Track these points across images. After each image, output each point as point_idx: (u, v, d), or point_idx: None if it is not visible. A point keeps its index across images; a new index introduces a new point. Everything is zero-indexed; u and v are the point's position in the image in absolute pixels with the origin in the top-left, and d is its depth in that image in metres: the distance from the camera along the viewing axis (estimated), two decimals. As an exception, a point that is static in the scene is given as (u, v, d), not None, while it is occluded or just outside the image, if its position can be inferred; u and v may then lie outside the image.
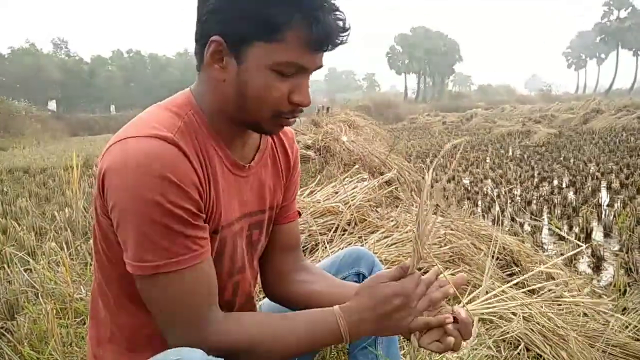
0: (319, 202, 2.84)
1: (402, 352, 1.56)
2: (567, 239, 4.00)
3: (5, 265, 2.84)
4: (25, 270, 2.61)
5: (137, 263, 0.83)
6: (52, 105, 49.63)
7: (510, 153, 9.94)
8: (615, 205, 5.09)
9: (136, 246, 0.83)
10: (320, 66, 0.92)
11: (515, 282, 1.12)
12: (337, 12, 0.85)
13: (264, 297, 1.32)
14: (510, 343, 1.94)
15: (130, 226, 0.83)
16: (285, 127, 1.12)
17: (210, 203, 0.92)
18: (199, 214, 0.87)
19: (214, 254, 0.95)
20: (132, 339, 0.99)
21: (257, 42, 0.83)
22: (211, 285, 0.91)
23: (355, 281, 1.27)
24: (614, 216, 4.57)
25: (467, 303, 0.97)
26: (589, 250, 3.65)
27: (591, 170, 7.10)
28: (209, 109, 0.94)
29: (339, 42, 0.87)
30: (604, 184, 6.13)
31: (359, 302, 0.93)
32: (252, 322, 0.94)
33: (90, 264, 2.69)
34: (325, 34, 0.83)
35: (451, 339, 0.90)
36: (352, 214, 2.77)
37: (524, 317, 2.00)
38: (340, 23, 0.85)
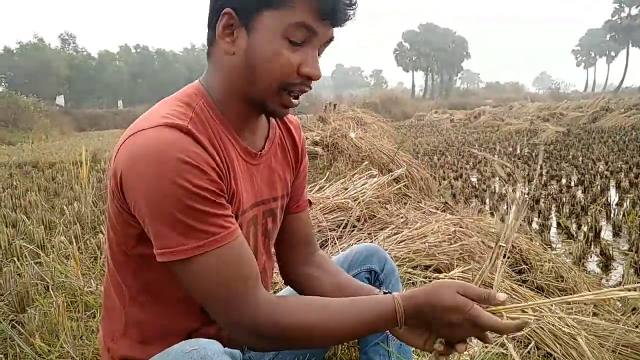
0: (329, 198, 2.84)
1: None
2: (576, 237, 3.98)
3: (15, 259, 2.86)
4: (35, 264, 2.63)
5: (172, 249, 0.83)
6: (60, 100, 49.76)
7: (519, 151, 9.88)
8: (625, 204, 5.05)
9: (168, 233, 0.82)
10: (332, 39, 0.92)
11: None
12: None
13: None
14: (521, 342, 1.93)
15: (158, 215, 0.82)
16: (291, 117, 1.17)
17: (230, 189, 0.92)
18: (222, 194, 0.87)
19: None
20: (146, 332, 1.00)
21: (267, 10, 0.85)
22: (252, 260, 0.91)
23: (367, 278, 1.28)
24: (623, 215, 4.54)
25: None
26: (598, 250, 3.63)
27: (600, 169, 7.05)
28: (218, 95, 0.94)
29: (346, 14, 0.88)
30: (613, 182, 6.09)
31: (426, 296, 0.90)
32: (304, 305, 0.93)
33: (100, 258, 2.71)
34: (336, 1, 0.85)
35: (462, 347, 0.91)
36: (361, 210, 2.77)
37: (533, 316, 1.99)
38: None
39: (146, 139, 0.83)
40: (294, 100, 0.93)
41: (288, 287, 1.29)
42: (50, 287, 2.28)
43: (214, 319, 0.90)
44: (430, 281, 2.19)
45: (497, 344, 1.78)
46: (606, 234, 4.14)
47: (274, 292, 1.33)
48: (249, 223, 1.02)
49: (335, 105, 8.65)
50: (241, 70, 0.90)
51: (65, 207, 4.28)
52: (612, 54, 74.43)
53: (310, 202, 1.27)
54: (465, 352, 1.63)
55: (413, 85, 75.55)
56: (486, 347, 1.72)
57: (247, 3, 0.86)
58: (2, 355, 1.78)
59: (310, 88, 0.94)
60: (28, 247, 3.01)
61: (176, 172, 0.80)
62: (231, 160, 0.94)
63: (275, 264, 1.26)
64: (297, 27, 0.85)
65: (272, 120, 1.10)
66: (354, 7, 0.88)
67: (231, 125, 0.96)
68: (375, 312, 0.91)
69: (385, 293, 1.11)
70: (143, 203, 0.83)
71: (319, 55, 0.93)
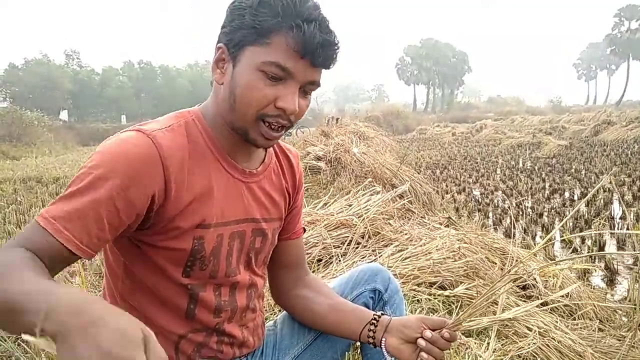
0: (333, 215, 2.85)
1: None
2: (580, 251, 3.97)
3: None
4: (40, 281, 2.63)
5: (45, 210, 0.85)
6: (63, 115, 50.13)
7: (521, 165, 9.89)
8: (629, 217, 5.04)
9: (59, 197, 0.86)
10: (313, 81, 0.97)
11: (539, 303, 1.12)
12: (324, 25, 0.92)
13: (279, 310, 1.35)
14: (526, 359, 1.92)
15: (70, 182, 0.87)
16: (290, 148, 1.25)
17: (187, 198, 0.96)
18: (124, 209, 0.88)
19: (208, 250, 1.01)
20: None
21: (250, 46, 0.92)
22: (44, 270, 0.79)
23: (371, 297, 1.30)
24: (628, 229, 4.52)
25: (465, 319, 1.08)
26: (603, 264, 3.62)
27: (603, 183, 7.05)
28: (211, 117, 1.02)
29: (325, 54, 0.93)
30: (616, 196, 6.08)
31: None
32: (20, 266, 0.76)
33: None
34: (309, 41, 0.89)
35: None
36: (365, 227, 2.77)
37: (539, 333, 1.98)
38: (327, 36, 0.92)
39: (115, 135, 0.94)
40: (272, 133, 0.97)
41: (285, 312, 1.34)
42: (55, 304, 2.28)
43: None
44: (435, 298, 2.20)
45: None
46: (610, 248, 4.13)
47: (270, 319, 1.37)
48: (232, 236, 1.05)
49: (337, 119, 8.71)
50: (226, 99, 0.97)
51: (69, 223, 4.30)
52: (613, 67, 74.71)
53: (304, 230, 1.34)
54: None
55: (415, 99, 75.80)
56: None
57: (234, 39, 0.94)
58: (8, 375, 1.78)
59: (290, 122, 0.98)
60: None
61: (105, 162, 0.87)
62: (205, 172, 0.99)
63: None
64: (270, 64, 0.91)
65: (270, 148, 1.15)
66: (332, 47, 0.93)
67: (222, 145, 1.02)
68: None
69: (382, 314, 1.18)
70: None
71: (306, 94, 0.99)
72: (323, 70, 0.98)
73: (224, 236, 1.03)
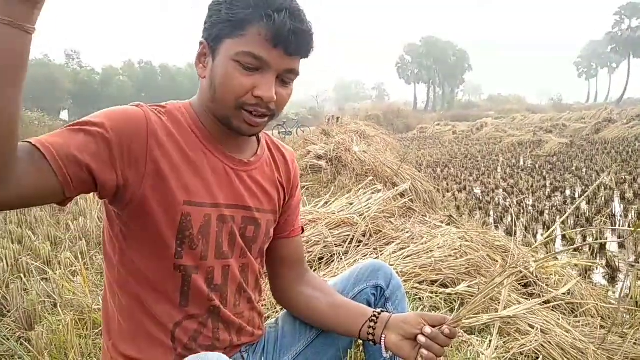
0: (334, 214, 2.85)
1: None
2: (581, 249, 3.97)
3: (22, 275, 2.87)
4: (42, 280, 2.64)
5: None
6: (64, 115, 50.19)
7: (522, 163, 9.89)
8: (630, 215, 5.04)
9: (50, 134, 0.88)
10: (291, 69, 0.99)
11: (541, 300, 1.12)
12: (296, 14, 0.95)
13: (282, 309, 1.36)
14: (528, 356, 1.92)
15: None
16: (287, 147, 1.28)
17: (170, 168, 0.99)
18: (108, 156, 0.91)
19: (196, 229, 1.02)
20: (137, 326, 1.05)
21: (227, 39, 0.96)
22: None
23: (373, 293, 1.30)
24: (629, 226, 4.52)
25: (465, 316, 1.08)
26: (604, 262, 3.62)
27: (604, 180, 7.04)
28: (198, 109, 1.06)
29: (298, 42, 0.96)
30: (617, 194, 6.08)
31: None
32: None
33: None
34: (280, 29, 0.93)
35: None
36: (367, 226, 2.77)
37: (541, 330, 1.98)
38: (298, 24, 0.95)
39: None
40: (255, 119, 1.00)
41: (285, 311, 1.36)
42: (58, 304, 2.29)
43: None
44: (437, 295, 2.20)
45: (505, 359, 1.78)
46: (611, 245, 4.13)
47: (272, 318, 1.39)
48: (220, 218, 1.06)
49: (338, 118, 8.70)
50: (208, 91, 1.01)
51: (70, 222, 4.30)
52: (614, 65, 74.67)
53: (302, 229, 1.35)
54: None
55: (415, 98, 75.81)
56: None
57: (213, 34, 0.98)
58: (11, 374, 1.78)
59: (271, 111, 1.01)
60: (34, 264, 3.02)
61: (100, 114, 0.93)
62: (183, 153, 1.01)
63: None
64: (244, 54, 0.94)
65: (263, 143, 1.18)
66: (304, 35, 0.96)
67: (212, 136, 1.06)
68: None
69: (382, 312, 1.19)
70: None
71: (285, 84, 1.01)
72: (304, 61, 1.01)
73: (212, 217, 1.04)
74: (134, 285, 1.04)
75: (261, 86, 0.96)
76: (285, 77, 1.00)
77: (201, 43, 1.01)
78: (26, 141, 0.83)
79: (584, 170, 8.21)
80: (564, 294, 2.50)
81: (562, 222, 4.94)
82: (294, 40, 0.94)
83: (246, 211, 1.11)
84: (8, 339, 1.87)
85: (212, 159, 1.05)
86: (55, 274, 2.59)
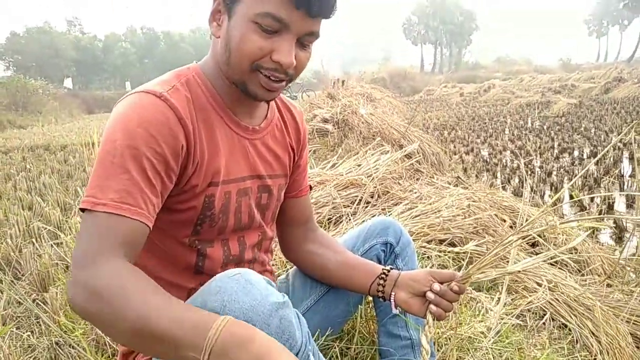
0: (342, 175, 2.84)
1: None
2: (589, 209, 3.96)
3: (34, 240, 2.91)
4: (54, 244, 2.67)
5: (86, 197, 0.83)
6: (67, 82, 49.97)
7: (530, 124, 9.79)
8: (638, 175, 5.00)
9: (93, 181, 0.84)
10: (312, 32, 0.93)
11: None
12: None
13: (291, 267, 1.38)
14: (536, 313, 1.95)
15: (96, 165, 0.85)
16: (295, 105, 1.23)
17: (200, 156, 0.96)
18: (162, 172, 0.89)
19: (217, 208, 1.01)
20: None
21: None
22: (138, 247, 0.85)
23: (383, 250, 1.32)
24: (637, 187, 4.50)
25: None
26: (611, 222, 3.62)
27: (613, 141, 6.96)
28: (210, 72, 1.01)
29: (321, 3, 0.88)
30: (626, 154, 6.03)
31: None
32: (141, 283, 0.78)
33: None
34: None
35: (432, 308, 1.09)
36: (375, 187, 2.77)
37: (549, 288, 2.00)
38: None
39: (124, 102, 0.92)
40: (272, 84, 0.94)
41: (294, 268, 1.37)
42: (70, 266, 2.32)
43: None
44: (446, 254, 2.21)
45: (514, 315, 1.80)
46: (619, 205, 4.12)
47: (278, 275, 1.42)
48: (239, 192, 1.05)
49: (343, 81, 8.58)
50: (222, 52, 0.95)
51: (79, 188, 4.34)
52: (625, 22, 72.80)
53: (310, 187, 1.34)
54: (482, 323, 1.66)
55: (422, 60, 74.58)
56: (502, 318, 1.74)
57: None
58: (29, 332, 1.83)
59: (289, 76, 0.95)
60: (46, 228, 3.06)
61: (128, 135, 0.85)
62: (211, 129, 0.99)
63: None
64: (264, 15, 0.87)
65: (272, 104, 1.14)
66: None
67: (224, 101, 1.02)
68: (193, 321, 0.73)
69: (391, 269, 1.19)
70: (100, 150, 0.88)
71: (304, 47, 0.95)
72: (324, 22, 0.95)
73: (232, 193, 1.04)
74: (149, 256, 1.03)
75: (280, 50, 0.90)
76: (305, 40, 0.93)
77: (215, 1, 0.94)
78: (138, 220, 0.83)
79: (593, 130, 8.12)
80: (571, 252, 2.51)
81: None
82: (317, 1, 0.87)
83: (260, 180, 1.10)
84: (26, 300, 1.91)
85: (228, 133, 1.02)
86: (67, 237, 2.62)
